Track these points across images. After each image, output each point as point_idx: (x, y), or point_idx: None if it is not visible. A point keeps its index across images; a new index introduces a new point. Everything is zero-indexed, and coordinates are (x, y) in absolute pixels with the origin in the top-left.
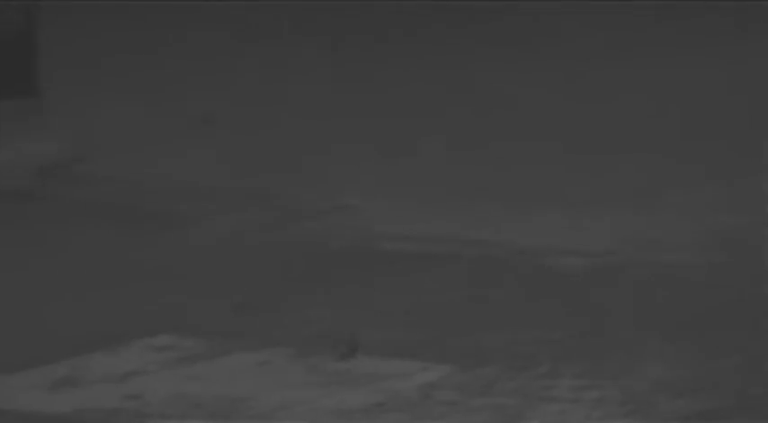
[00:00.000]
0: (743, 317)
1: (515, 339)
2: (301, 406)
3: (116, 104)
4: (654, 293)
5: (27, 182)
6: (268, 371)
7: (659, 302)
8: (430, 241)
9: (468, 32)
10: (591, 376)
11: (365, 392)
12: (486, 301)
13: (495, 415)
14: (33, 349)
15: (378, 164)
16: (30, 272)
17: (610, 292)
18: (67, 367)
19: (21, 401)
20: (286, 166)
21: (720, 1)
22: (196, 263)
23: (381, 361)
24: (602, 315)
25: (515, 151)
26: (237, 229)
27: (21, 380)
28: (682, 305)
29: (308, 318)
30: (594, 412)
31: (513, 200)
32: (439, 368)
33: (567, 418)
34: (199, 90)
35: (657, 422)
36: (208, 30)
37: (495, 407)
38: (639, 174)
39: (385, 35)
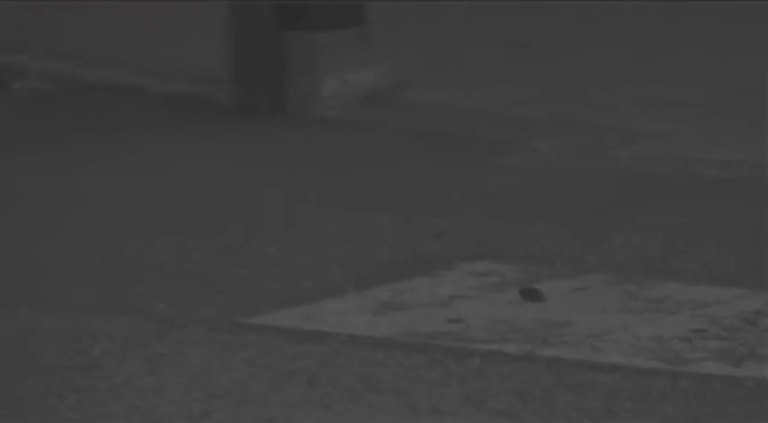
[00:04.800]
0: None
1: None
2: (619, 332)
3: (436, 32)
4: None
5: (353, 110)
6: (585, 296)
7: None
8: (746, 166)
9: None
10: None
11: (685, 319)
12: None
13: None
14: (358, 273)
15: (686, 88)
16: (353, 197)
17: None
18: (391, 291)
19: (347, 324)
20: (600, 92)
21: None
22: (516, 189)
23: (701, 287)
24: None
25: None
26: (555, 156)
27: (347, 303)
28: None
29: (625, 244)
30: None
31: None
32: (761, 295)
33: None
34: (516, 16)
35: None
36: None
37: None
38: None
39: None
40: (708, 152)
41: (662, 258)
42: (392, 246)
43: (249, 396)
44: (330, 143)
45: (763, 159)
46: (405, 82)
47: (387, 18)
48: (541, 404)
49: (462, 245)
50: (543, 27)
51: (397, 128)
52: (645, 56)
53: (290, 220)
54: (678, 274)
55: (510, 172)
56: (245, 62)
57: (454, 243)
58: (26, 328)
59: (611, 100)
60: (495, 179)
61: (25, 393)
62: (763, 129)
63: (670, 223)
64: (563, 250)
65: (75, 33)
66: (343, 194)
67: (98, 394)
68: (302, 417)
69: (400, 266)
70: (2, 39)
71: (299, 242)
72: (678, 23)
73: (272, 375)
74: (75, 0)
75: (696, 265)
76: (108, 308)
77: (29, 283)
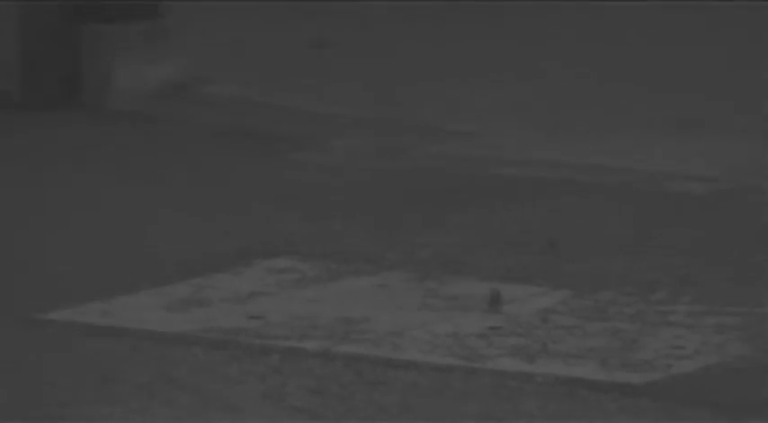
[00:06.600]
0: None
1: (633, 265)
2: (418, 329)
3: (235, 28)
4: None
5: (149, 104)
6: (384, 294)
7: None
8: (547, 167)
9: None
10: (708, 302)
11: (481, 316)
12: (603, 227)
13: (612, 340)
14: (156, 270)
15: (496, 90)
16: (151, 193)
17: (730, 218)
18: (190, 287)
19: (144, 320)
20: (407, 91)
21: None
22: (317, 187)
23: (497, 285)
24: (722, 241)
25: (634, 79)
26: (358, 154)
27: (144, 299)
28: None
29: (426, 242)
30: (712, 338)
31: (631, 126)
32: (556, 293)
33: (684, 343)
34: (314, 14)
35: None
36: None
37: (613, 331)
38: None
39: None
40: (511, 152)
41: (461, 256)
42: (190, 242)
43: (42, 392)
44: (125, 138)
45: (562, 159)
46: (203, 77)
47: (187, 13)
48: (339, 401)
49: (261, 242)
50: (351, 26)
51: (194, 123)
52: (457, 56)
53: (83, 216)
54: (476, 272)
55: (311, 169)
56: (35, 54)
57: (252, 240)
58: None
59: (418, 99)
60: (296, 176)
61: None
62: (573, 128)
63: (469, 222)
64: (363, 247)
65: None
66: (140, 190)
67: None
68: (97, 413)
69: (198, 263)
70: None
71: (94, 238)
72: (497, 23)
73: (67, 372)
74: None
75: (493, 263)
76: None
77: None
